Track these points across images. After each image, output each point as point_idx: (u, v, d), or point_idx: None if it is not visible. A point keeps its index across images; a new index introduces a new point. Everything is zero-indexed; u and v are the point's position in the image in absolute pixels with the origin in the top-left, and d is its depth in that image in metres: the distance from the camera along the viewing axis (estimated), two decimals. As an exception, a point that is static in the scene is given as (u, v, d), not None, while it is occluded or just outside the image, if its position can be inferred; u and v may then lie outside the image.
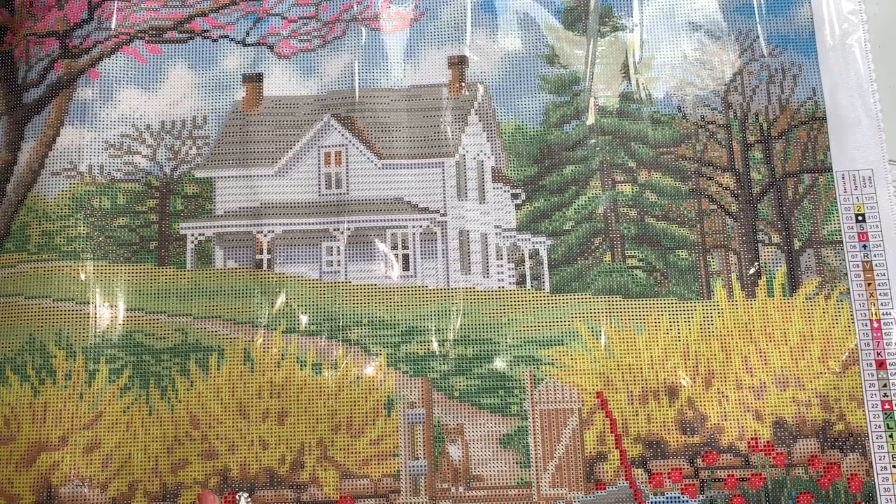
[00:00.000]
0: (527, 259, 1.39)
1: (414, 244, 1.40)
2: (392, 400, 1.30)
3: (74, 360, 1.31)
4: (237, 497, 1.08)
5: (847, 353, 1.28)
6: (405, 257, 1.40)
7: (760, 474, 1.25)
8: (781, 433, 1.27)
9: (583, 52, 1.44)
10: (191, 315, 1.34)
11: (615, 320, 1.32)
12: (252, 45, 1.44)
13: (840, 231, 1.33)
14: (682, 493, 1.25)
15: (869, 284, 1.30)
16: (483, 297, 1.36)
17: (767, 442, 1.26)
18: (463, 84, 1.43)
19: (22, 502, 1.26)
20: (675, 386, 1.29)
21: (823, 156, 1.37)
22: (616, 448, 1.27)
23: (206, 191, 1.41)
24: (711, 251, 1.36)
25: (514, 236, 1.40)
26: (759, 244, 1.35)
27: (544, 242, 1.39)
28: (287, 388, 1.30)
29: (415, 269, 1.39)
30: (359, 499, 1.26)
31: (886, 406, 1.26)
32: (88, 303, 1.33)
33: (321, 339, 1.32)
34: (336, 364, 1.31)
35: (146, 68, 1.43)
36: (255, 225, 1.40)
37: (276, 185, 1.41)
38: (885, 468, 1.24)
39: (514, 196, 1.41)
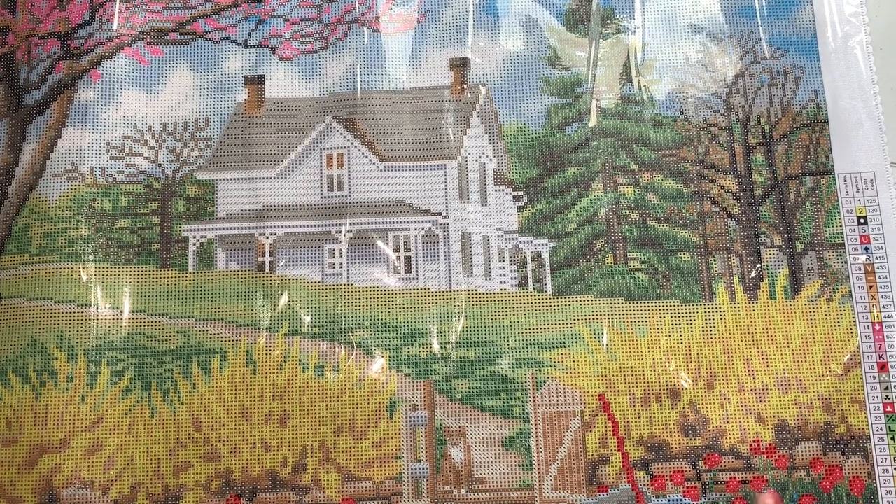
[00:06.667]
0: (529, 261, 1.39)
1: (416, 246, 1.40)
2: (394, 402, 1.30)
3: (76, 362, 1.31)
4: None
5: (849, 356, 1.28)
6: (407, 259, 1.40)
7: (762, 477, 1.25)
8: (783, 436, 1.27)
9: (585, 54, 1.44)
10: (193, 317, 1.34)
11: (617, 322, 1.32)
12: (254, 47, 1.44)
13: (842, 233, 1.33)
14: (684, 496, 1.25)
15: (871, 287, 1.30)
16: (485, 299, 1.36)
17: (769, 444, 1.26)
18: (465, 86, 1.43)
19: (24, 504, 1.26)
20: (677, 388, 1.29)
21: (825, 158, 1.37)
22: (618, 450, 1.27)
23: (209, 193, 1.41)
24: (713, 253, 1.36)
25: (516, 238, 1.40)
26: (761, 246, 1.35)
27: (546, 245, 1.39)
28: (289, 391, 1.30)
29: (417, 271, 1.39)
30: (361, 501, 1.26)
31: (888, 409, 1.26)
32: (90, 305, 1.33)
33: (323, 341, 1.32)
34: (338, 366, 1.31)
35: (148, 70, 1.43)
36: (257, 227, 1.40)
37: (278, 187, 1.41)
38: (887, 471, 1.24)
39: (516, 198, 1.41)
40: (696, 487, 1.25)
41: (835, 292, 1.31)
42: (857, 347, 1.28)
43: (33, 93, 1.42)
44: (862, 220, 1.33)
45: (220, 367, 1.31)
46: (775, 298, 1.32)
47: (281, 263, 1.38)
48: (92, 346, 1.31)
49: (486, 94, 1.43)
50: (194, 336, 1.33)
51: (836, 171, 1.35)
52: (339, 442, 1.28)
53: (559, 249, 1.38)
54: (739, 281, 1.34)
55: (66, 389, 1.30)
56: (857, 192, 1.34)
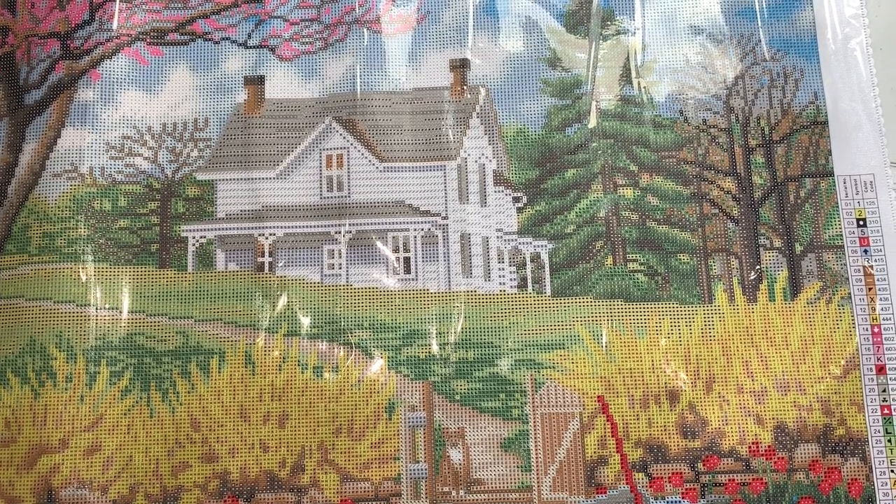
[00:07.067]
0: (528, 262, 1.39)
1: (415, 247, 1.40)
2: (393, 403, 1.30)
3: (75, 362, 1.30)
4: None
5: (847, 358, 1.28)
6: (406, 260, 1.40)
7: (761, 479, 1.25)
8: (782, 437, 1.27)
9: (585, 55, 1.44)
10: (192, 318, 1.34)
11: (616, 324, 1.32)
12: (254, 47, 1.44)
13: (841, 236, 1.33)
14: (683, 498, 1.25)
15: (870, 289, 1.30)
16: (484, 300, 1.36)
17: (768, 446, 1.26)
18: (465, 87, 1.43)
19: (22, 504, 1.26)
20: (676, 390, 1.29)
21: (825, 160, 1.37)
22: (617, 452, 1.27)
23: (208, 193, 1.41)
24: (713, 255, 1.36)
25: (516, 239, 1.40)
26: (761, 248, 1.35)
27: (546, 246, 1.39)
28: (288, 391, 1.30)
29: (416, 272, 1.39)
30: (359, 502, 1.26)
31: (886, 411, 1.26)
32: (89, 305, 1.33)
33: (322, 342, 1.32)
34: (337, 367, 1.31)
35: (147, 70, 1.43)
36: (256, 227, 1.40)
37: (278, 187, 1.41)
38: (885, 473, 1.24)
39: (516, 199, 1.41)
40: (694, 489, 1.25)
41: (834, 294, 1.31)
42: (856, 349, 1.28)
43: (33, 93, 1.42)
44: (861, 223, 1.33)
45: (219, 368, 1.31)
46: (774, 300, 1.32)
47: (280, 264, 1.38)
48: (91, 346, 1.31)
49: (486, 95, 1.43)
50: (193, 336, 1.33)
51: (836, 174, 1.35)
52: (337, 443, 1.28)
53: (558, 251, 1.38)
54: (739, 283, 1.34)
55: (65, 389, 1.30)
56: (857, 194, 1.34)
